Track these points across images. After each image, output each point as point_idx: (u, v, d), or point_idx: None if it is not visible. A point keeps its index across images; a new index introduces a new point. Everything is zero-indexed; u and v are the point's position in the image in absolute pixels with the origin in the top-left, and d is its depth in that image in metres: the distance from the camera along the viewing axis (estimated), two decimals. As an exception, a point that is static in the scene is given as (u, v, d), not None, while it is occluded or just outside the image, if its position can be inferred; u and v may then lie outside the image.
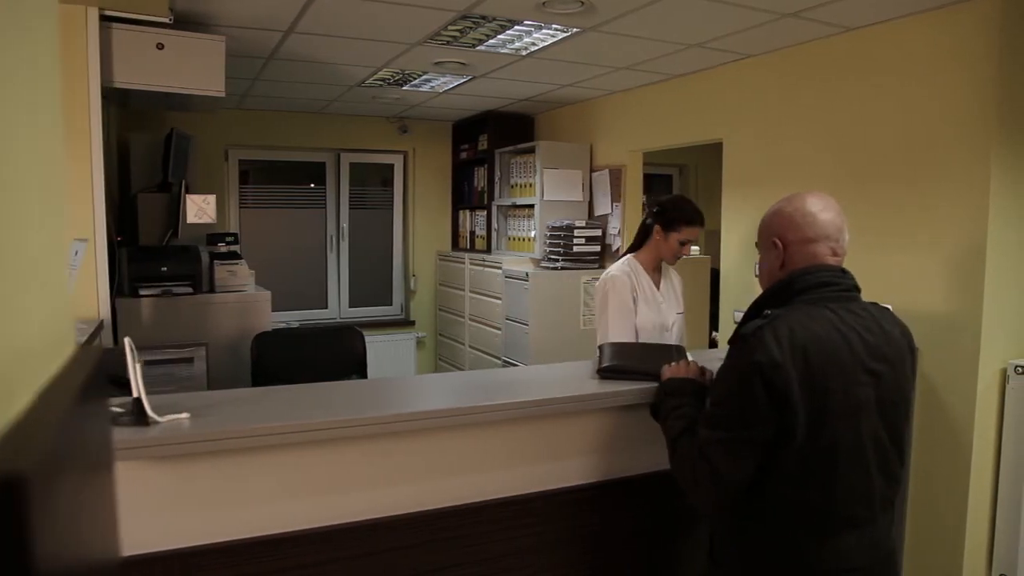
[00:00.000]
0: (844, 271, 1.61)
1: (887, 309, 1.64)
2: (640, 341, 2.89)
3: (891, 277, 3.37)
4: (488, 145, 6.18)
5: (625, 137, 5.26)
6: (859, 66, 3.54)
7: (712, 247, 4.71)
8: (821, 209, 1.63)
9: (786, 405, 1.45)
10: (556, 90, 5.26)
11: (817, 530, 1.51)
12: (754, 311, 1.63)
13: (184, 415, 1.43)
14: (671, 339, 3.01)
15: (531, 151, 5.66)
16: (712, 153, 4.56)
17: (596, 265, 5.23)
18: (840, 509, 1.51)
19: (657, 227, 2.99)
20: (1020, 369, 3.12)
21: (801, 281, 1.57)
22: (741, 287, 4.22)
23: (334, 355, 3.38)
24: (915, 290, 3.28)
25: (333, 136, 6.39)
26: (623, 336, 2.87)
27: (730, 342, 1.60)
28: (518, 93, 5.41)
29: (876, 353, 1.53)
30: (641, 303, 2.94)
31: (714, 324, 4.67)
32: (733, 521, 1.60)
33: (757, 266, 1.84)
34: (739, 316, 4.20)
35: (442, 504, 1.63)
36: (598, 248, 5.36)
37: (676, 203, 3.01)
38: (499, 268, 5.54)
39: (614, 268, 3.03)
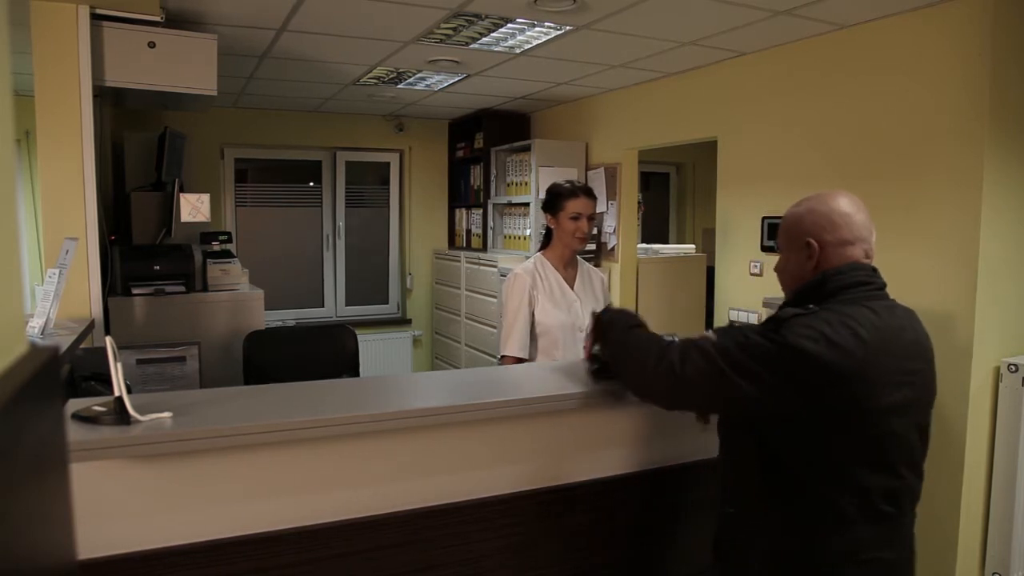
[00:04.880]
0: (875, 270, 1.59)
1: (911, 310, 1.62)
2: (548, 340, 2.78)
3: (884, 274, 3.36)
4: (484, 143, 6.18)
5: (620, 135, 5.26)
6: (853, 63, 3.54)
7: (708, 245, 4.71)
8: (856, 210, 1.61)
9: (807, 394, 1.42)
10: (551, 88, 5.26)
11: (840, 525, 1.47)
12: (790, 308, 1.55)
13: (167, 414, 1.43)
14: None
15: (527, 149, 5.66)
16: (709, 151, 4.55)
17: (592, 263, 5.22)
18: (866, 503, 1.47)
19: (548, 217, 2.86)
20: (1013, 367, 3.11)
21: (835, 281, 1.54)
22: (736, 285, 4.22)
23: (326, 354, 3.38)
24: (908, 287, 3.26)
25: (329, 135, 6.38)
26: (522, 335, 2.76)
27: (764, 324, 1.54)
28: (513, 91, 5.40)
29: (913, 352, 1.52)
30: (546, 301, 2.80)
31: (709, 322, 4.66)
32: (753, 512, 1.56)
33: (778, 265, 1.77)
34: (735, 315, 4.22)
35: (425, 503, 1.63)
36: (594, 247, 5.36)
37: (555, 185, 2.87)
38: (495, 266, 5.54)
39: (520, 266, 2.91)
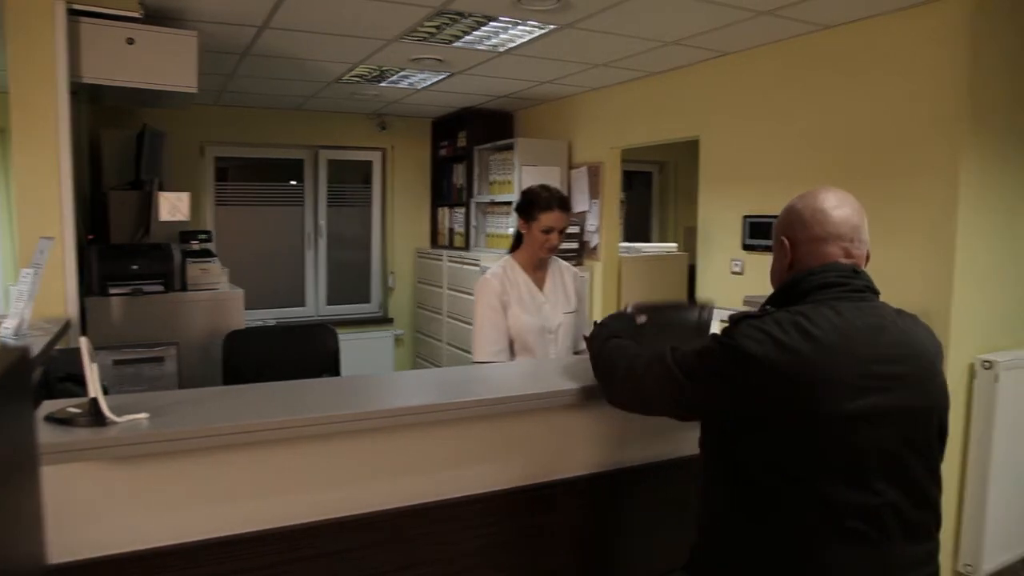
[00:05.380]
0: (856, 271, 1.49)
1: (912, 315, 1.52)
2: (518, 344, 2.74)
3: (871, 271, 3.39)
4: (467, 142, 6.17)
5: (603, 134, 5.27)
6: (834, 64, 3.56)
7: (690, 244, 4.73)
8: (835, 206, 1.52)
9: (750, 403, 1.37)
10: (534, 87, 5.26)
11: (809, 544, 1.37)
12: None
13: (143, 415, 1.41)
14: (556, 342, 2.81)
15: (510, 148, 5.65)
16: (691, 150, 4.57)
17: (574, 262, 5.23)
18: (834, 520, 1.36)
19: (521, 221, 2.81)
20: (987, 364, 3.15)
21: (806, 283, 1.47)
22: (718, 283, 4.24)
23: (307, 353, 3.36)
24: (886, 284, 3.26)
25: (311, 133, 6.35)
26: (493, 340, 2.72)
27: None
28: (497, 90, 5.39)
29: (891, 355, 1.39)
30: (515, 306, 2.75)
31: (691, 321, 4.68)
32: (723, 525, 1.49)
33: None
34: (717, 314, 4.22)
35: (405, 502, 1.62)
36: (576, 245, 5.36)
37: (532, 191, 2.79)
38: (477, 265, 5.53)
39: (489, 270, 2.86)
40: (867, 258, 1.57)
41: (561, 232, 2.78)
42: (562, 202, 2.76)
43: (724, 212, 4.18)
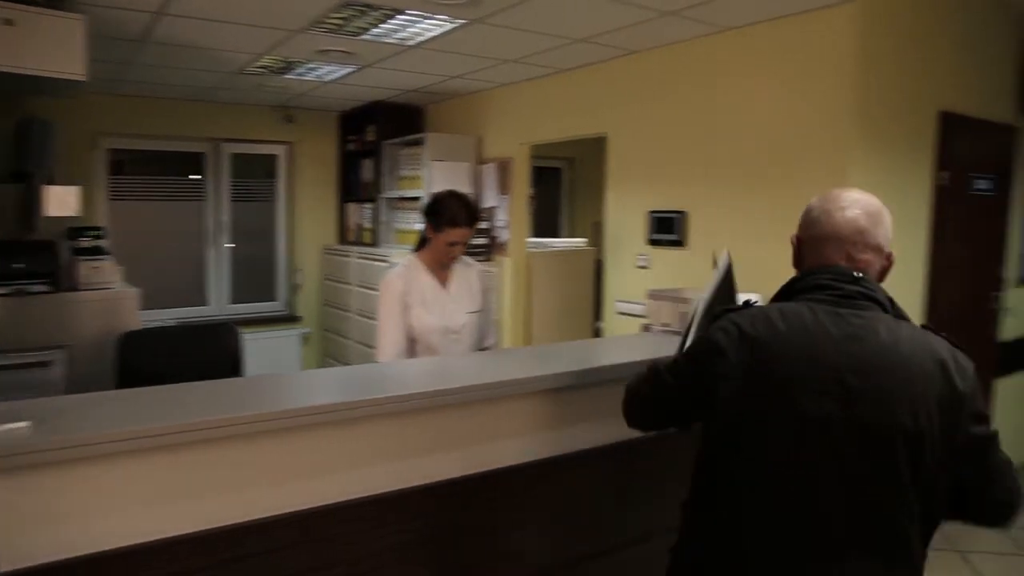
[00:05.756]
0: (856, 277, 1.40)
1: (926, 333, 1.38)
2: (422, 345, 2.73)
3: (765, 268, 3.52)
4: (376, 136, 6.07)
5: (513, 130, 5.29)
6: (734, 65, 3.69)
7: (598, 239, 4.81)
8: (843, 207, 1.45)
9: (716, 393, 1.38)
10: (445, 81, 5.22)
11: (751, 538, 1.36)
12: None
13: (23, 424, 1.32)
14: (461, 341, 2.79)
15: (419, 143, 5.60)
16: (600, 146, 4.64)
17: (483, 258, 5.24)
18: (777, 529, 1.34)
19: (428, 225, 2.76)
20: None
21: (801, 283, 1.45)
22: (624, 277, 4.32)
23: (207, 354, 3.22)
24: (784, 279, 3.44)
25: (213, 125, 6.11)
26: (395, 340, 2.71)
27: None
28: (406, 84, 5.33)
29: (859, 368, 1.31)
30: (417, 306, 2.72)
31: (597, 314, 4.76)
32: (688, 511, 1.49)
33: None
34: (623, 307, 4.33)
35: (312, 504, 1.58)
36: (486, 241, 5.37)
37: (442, 201, 2.72)
38: (386, 262, 5.46)
39: (392, 270, 2.83)
40: (888, 263, 1.48)
41: (467, 243, 2.77)
42: (471, 218, 2.73)
43: (630, 208, 4.27)
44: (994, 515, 1.41)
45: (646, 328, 2.74)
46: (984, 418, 1.35)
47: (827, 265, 1.44)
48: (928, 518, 1.36)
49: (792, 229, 3.47)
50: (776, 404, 1.34)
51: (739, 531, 1.37)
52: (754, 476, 1.36)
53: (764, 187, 3.55)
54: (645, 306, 4.11)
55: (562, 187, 7.26)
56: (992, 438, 1.36)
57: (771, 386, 1.35)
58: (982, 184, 4.10)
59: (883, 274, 1.47)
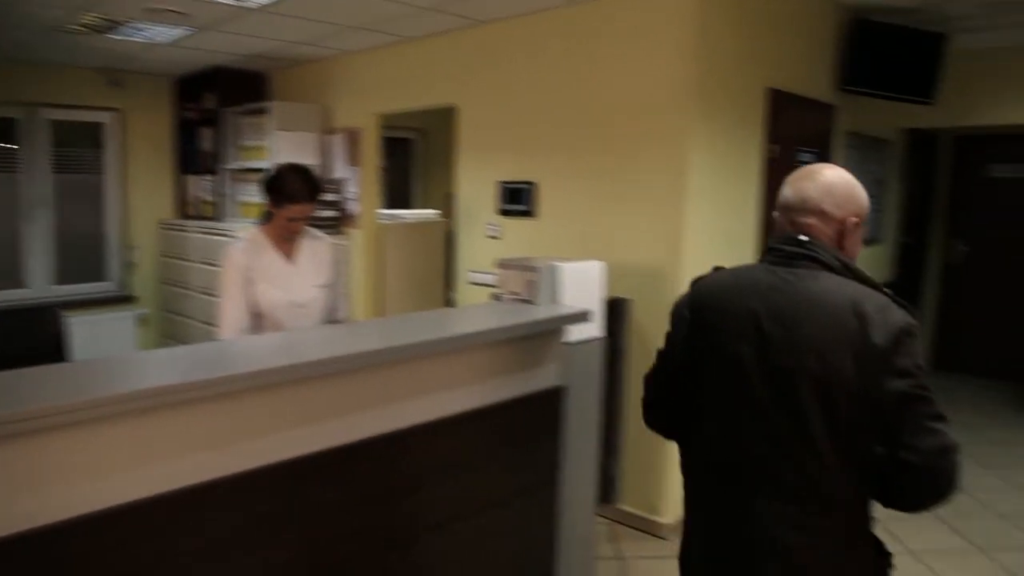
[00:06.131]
0: (798, 240, 1.52)
1: (863, 290, 1.46)
2: (269, 320, 2.67)
3: (612, 235, 3.67)
4: (216, 104, 5.75)
5: (362, 99, 5.16)
6: (580, 37, 3.77)
7: (450, 210, 4.81)
8: (796, 179, 1.59)
9: (674, 343, 1.64)
10: (289, 47, 5.01)
11: (695, 470, 1.62)
12: None
13: None
14: (309, 315, 2.74)
15: (263, 112, 5.36)
16: (452, 117, 4.62)
17: (333, 231, 5.12)
18: (707, 456, 1.54)
19: (268, 200, 2.68)
20: (710, 314, 3.55)
21: (764, 250, 1.62)
22: (477, 248, 4.36)
23: (23, 340, 2.96)
24: (629, 247, 3.60)
25: (28, 88, 5.55)
26: (238, 316, 2.63)
27: None
28: (248, 48, 5.07)
29: (775, 315, 1.45)
30: (262, 281, 2.65)
31: (449, 285, 4.78)
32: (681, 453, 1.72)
33: None
34: (475, 277, 4.35)
35: (155, 491, 1.47)
36: (336, 214, 5.24)
37: (282, 176, 2.65)
38: (230, 236, 5.21)
39: (234, 244, 2.75)
40: (844, 227, 1.54)
41: (308, 218, 2.70)
42: (312, 193, 2.66)
43: (481, 178, 4.30)
44: (909, 483, 1.39)
45: (496, 297, 2.78)
46: (906, 374, 1.38)
47: (780, 233, 1.60)
48: (855, 472, 1.42)
49: (637, 199, 3.64)
50: (708, 348, 1.55)
51: (693, 464, 1.63)
52: (700, 413, 1.58)
53: (610, 159, 3.68)
54: (497, 275, 4.19)
55: (414, 158, 7.18)
56: (910, 395, 1.37)
57: (705, 332, 1.56)
58: (806, 157, 4.44)
59: (841, 237, 1.55)
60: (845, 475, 1.42)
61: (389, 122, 5.36)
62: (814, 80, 4.40)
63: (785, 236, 1.56)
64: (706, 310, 1.57)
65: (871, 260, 5.60)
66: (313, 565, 1.75)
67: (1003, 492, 4.31)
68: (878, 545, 1.54)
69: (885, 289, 1.49)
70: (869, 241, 5.54)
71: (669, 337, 1.67)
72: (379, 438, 1.86)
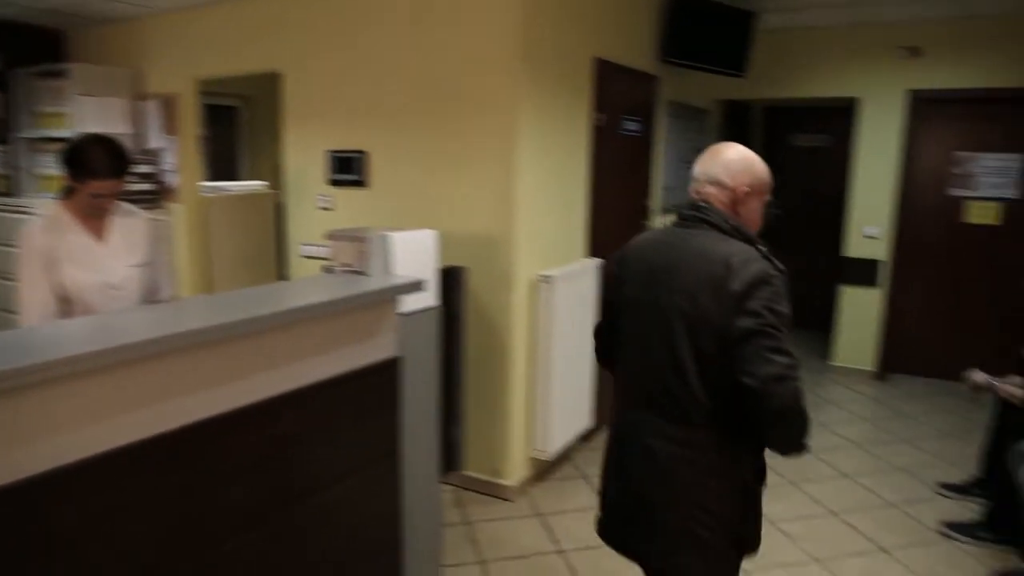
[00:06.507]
0: (697, 206, 1.82)
1: (735, 245, 1.72)
2: (79, 304, 2.45)
3: (446, 204, 3.66)
4: (4, 64, 5.14)
5: (179, 63, 4.80)
6: (411, 5, 3.68)
7: (280, 181, 4.60)
8: (703, 156, 1.88)
9: (607, 294, 2.01)
10: (91, 3, 4.55)
11: (615, 398, 1.96)
12: None
13: None
14: (124, 297, 2.55)
15: (63, 75, 4.86)
16: (278, 84, 4.40)
17: (151, 206, 4.76)
18: (618, 383, 1.94)
19: (68, 175, 2.42)
20: (545, 279, 3.65)
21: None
22: (308, 221, 4.21)
23: None
24: (463, 215, 3.61)
25: None
26: (40, 301, 2.41)
27: None
28: (42, 2, 4.55)
29: (665, 267, 1.78)
30: (67, 262, 2.42)
31: (281, 259, 4.60)
32: None
33: None
34: (307, 250, 4.21)
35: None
36: (154, 187, 4.88)
37: (82, 149, 2.39)
38: (29, 213, 4.72)
39: (33, 222, 2.50)
40: (736, 194, 1.81)
41: (115, 194, 2.46)
42: (118, 168, 2.41)
43: (309, 148, 4.14)
44: (751, 407, 1.61)
45: (327, 269, 2.70)
46: (754, 313, 1.62)
47: (687, 200, 1.88)
48: (719, 396, 1.69)
49: (469, 168, 3.64)
50: (622, 295, 1.90)
51: (615, 391, 1.97)
52: (619, 348, 1.93)
53: (441, 127, 3.65)
54: (329, 247, 4.06)
55: (239, 127, 6.79)
56: (754, 330, 1.61)
57: (621, 282, 1.91)
58: (631, 125, 4.63)
59: (735, 204, 1.82)
60: (709, 399, 1.70)
61: (210, 88, 5.02)
62: (638, 51, 4.58)
63: (688, 203, 1.86)
64: (624, 264, 1.92)
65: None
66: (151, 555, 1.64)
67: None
68: (750, 460, 1.80)
69: (760, 247, 1.75)
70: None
71: (604, 289, 2.03)
72: (206, 422, 1.76)
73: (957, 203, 5.71)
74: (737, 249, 1.71)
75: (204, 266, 4.90)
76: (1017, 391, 3.39)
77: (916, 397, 5.55)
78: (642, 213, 4.96)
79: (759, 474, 1.83)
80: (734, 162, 1.83)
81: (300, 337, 2.03)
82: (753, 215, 1.86)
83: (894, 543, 3.43)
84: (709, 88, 5.91)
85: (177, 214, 4.89)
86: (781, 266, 1.72)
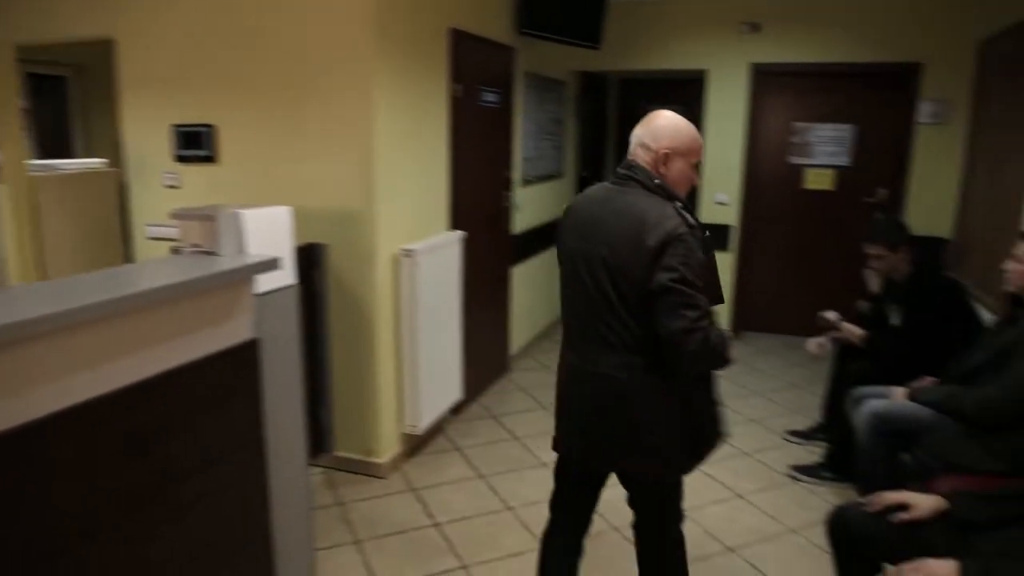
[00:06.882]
0: (629, 165, 2.07)
1: (656, 202, 1.97)
2: None
3: (302, 179, 3.52)
4: None
5: (-9, 28, 4.33)
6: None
7: (121, 158, 4.27)
8: (640, 123, 2.10)
9: (557, 239, 2.19)
10: None
11: (564, 336, 2.21)
12: None
13: None
14: None
15: None
16: (112, 52, 4.05)
17: (-28, 186, 4.31)
18: (564, 321, 2.20)
19: None
20: (408, 252, 3.61)
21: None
22: (153, 201, 3.95)
23: None
24: (321, 190, 3.49)
25: None
26: None
27: None
28: None
29: (595, 220, 2.03)
30: None
31: (127, 241, 4.29)
32: None
33: None
34: (155, 231, 3.96)
35: None
36: (-27, 166, 4.40)
37: None
38: None
39: None
40: (658, 155, 2.03)
41: None
42: None
43: (152, 122, 3.86)
44: (665, 353, 1.92)
45: (176, 251, 2.54)
46: (670, 269, 1.86)
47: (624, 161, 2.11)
48: (650, 331, 1.94)
49: (326, 141, 3.53)
50: (564, 244, 2.14)
51: (564, 325, 2.21)
52: (564, 290, 2.17)
53: (294, 98, 3.50)
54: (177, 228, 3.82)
55: (71, 100, 6.24)
56: (669, 286, 1.85)
57: (564, 234, 2.15)
58: (490, 97, 4.62)
59: (657, 164, 2.04)
60: (642, 331, 1.96)
61: (31, 56, 4.57)
62: (494, 22, 4.57)
63: (623, 163, 2.09)
64: (567, 216, 2.16)
65: (553, 194, 6.07)
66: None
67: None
68: (695, 382, 2.07)
69: (678, 204, 1.98)
70: (552, 176, 5.98)
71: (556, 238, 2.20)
72: (48, 418, 1.62)
73: (798, 170, 6.12)
74: (657, 206, 1.95)
75: (36, 251, 4.49)
76: (856, 330, 3.76)
77: (768, 353, 5.95)
78: (504, 184, 4.99)
79: (700, 379, 2.09)
80: (659, 127, 2.05)
81: (148, 323, 1.91)
82: (676, 175, 2.06)
83: (749, 488, 3.67)
84: (566, 60, 6.00)
85: (0, 195, 4.45)
86: (695, 221, 1.96)
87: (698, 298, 1.87)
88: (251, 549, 2.36)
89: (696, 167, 2.11)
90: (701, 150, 2.11)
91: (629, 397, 2.01)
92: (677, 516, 2.22)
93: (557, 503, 2.36)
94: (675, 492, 2.20)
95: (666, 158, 2.04)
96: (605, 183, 2.14)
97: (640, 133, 2.08)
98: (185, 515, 2.03)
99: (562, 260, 2.16)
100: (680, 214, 1.94)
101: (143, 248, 4.04)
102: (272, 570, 2.45)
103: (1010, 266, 2.82)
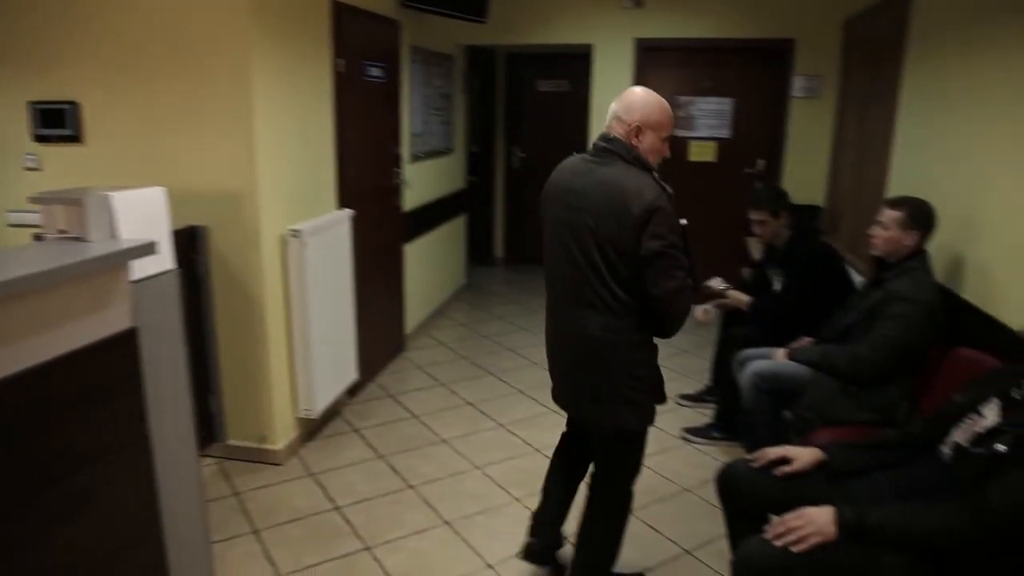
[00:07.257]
0: (607, 138, 2.19)
1: (635, 174, 2.12)
2: None
3: (179, 159, 3.35)
4: None
5: None
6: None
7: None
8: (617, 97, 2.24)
9: (540, 207, 2.37)
10: None
11: (548, 303, 2.38)
12: None
13: None
14: None
15: None
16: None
17: None
18: (548, 284, 2.35)
19: None
20: (295, 233, 3.51)
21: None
22: (12, 185, 3.65)
23: None
24: (200, 171, 3.33)
25: None
26: None
27: None
28: None
29: (577, 190, 2.18)
30: None
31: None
32: None
33: None
34: (16, 218, 3.68)
35: None
36: None
37: None
38: None
39: None
40: (630, 128, 2.17)
41: None
42: None
43: (4, 98, 3.56)
44: (656, 310, 2.13)
45: (39, 237, 2.37)
46: (659, 236, 2.04)
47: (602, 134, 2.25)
48: (633, 295, 2.13)
49: (203, 119, 3.37)
50: (546, 214, 2.32)
51: (546, 292, 2.38)
52: (548, 255, 2.32)
53: (166, 75, 3.30)
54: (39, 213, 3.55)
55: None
56: (660, 252, 2.05)
57: (545, 204, 2.33)
58: (375, 72, 4.52)
59: (630, 136, 2.17)
60: (625, 294, 2.13)
61: None
62: (377, -5, 4.46)
63: (602, 136, 2.21)
64: (549, 186, 2.32)
65: (444, 169, 6.03)
66: None
67: (536, 346, 5.23)
68: (652, 335, 2.26)
69: (655, 175, 2.15)
70: (442, 152, 5.93)
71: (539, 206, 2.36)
72: None
73: (683, 143, 6.31)
74: (635, 177, 2.10)
75: None
76: (743, 296, 3.93)
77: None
78: (393, 160, 4.91)
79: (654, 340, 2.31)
80: (631, 102, 2.19)
81: (10, 316, 1.77)
82: (648, 147, 2.19)
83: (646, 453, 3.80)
84: (453, 34, 5.94)
85: None
86: (670, 189, 2.13)
87: (683, 259, 2.11)
88: (144, 547, 2.26)
89: (666, 140, 2.24)
90: (672, 124, 2.24)
91: (613, 355, 2.20)
92: (638, 468, 2.47)
93: (565, 434, 2.75)
94: (643, 442, 2.44)
95: (638, 131, 2.17)
96: (583, 155, 2.27)
97: (615, 107, 2.21)
98: (67, 517, 1.92)
99: (546, 229, 2.31)
100: (659, 183, 2.11)
101: (4, 236, 3.74)
102: (165, 566, 2.36)
103: (876, 232, 3.02)
